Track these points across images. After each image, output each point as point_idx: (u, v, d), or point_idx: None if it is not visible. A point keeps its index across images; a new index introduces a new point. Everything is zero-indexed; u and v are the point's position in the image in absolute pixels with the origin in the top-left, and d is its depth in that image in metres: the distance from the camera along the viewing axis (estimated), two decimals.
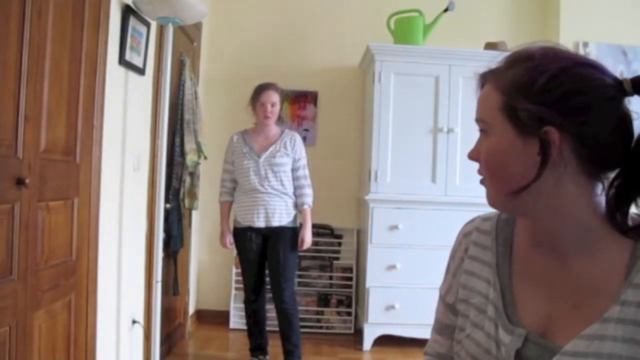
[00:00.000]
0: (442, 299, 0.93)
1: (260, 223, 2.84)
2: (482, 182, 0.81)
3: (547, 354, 0.72)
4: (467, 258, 0.88)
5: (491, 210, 0.84)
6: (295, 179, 2.93)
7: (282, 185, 2.86)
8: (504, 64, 0.77)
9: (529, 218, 0.79)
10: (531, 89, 0.71)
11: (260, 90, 2.92)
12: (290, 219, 2.90)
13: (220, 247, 3.67)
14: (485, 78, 0.79)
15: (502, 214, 0.88)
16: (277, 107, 2.93)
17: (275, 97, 2.91)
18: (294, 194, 2.93)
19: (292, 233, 2.91)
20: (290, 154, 2.90)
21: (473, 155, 0.80)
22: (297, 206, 2.93)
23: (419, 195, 3.36)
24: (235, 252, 3.66)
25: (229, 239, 2.98)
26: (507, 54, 0.77)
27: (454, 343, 0.87)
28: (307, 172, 2.96)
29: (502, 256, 0.83)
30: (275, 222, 2.84)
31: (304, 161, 2.96)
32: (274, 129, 2.97)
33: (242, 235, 2.92)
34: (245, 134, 2.99)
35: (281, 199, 2.86)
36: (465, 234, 0.91)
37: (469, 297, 0.85)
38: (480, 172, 0.80)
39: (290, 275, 2.91)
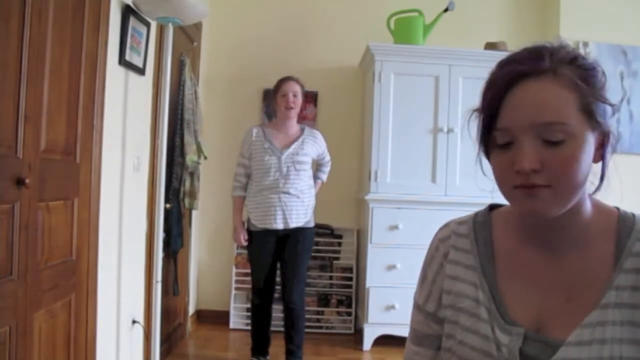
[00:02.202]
0: (421, 308, 0.89)
1: (278, 225, 2.78)
2: (538, 190, 0.70)
3: (549, 349, 0.72)
4: (447, 263, 0.86)
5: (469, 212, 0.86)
6: (320, 164, 3.06)
7: (302, 183, 2.82)
8: (555, 61, 0.71)
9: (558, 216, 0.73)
10: (599, 85, 0.72)
11: (280, 82, 2.88)
12: (307, 218, 2.86)
13: (220, 247, 3.66)
14: (543, 72, 0.71)
15: (477, 216, 0.87)
16: (299, 99, 2.88)
17: (296, 87, 2.87)
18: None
19: (309, 234, 2.88)
20: (314, 154, 2.92)
21: (537, 166, 0.69)
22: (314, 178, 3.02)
23: (419, 195, 3.36)
24: (235, 252, 3.66)
25: (243, 235, 2.87)
26: (547, 49, 0.72)
27: (443, 351, 0.85)
28: (329, 157, 3.08)
29: (485, 258, 0.83)
30: (293, 224, 2.79)
31: (326, 151, 3.05)
32: (294, 127, 2.91)
33: (258, 239, 2.84)
34: (264, 128, 2.90)
35: (298, 198, 2.80)
36: (441, 239, 0.89)
37: (455, 302, 0.83)
38: (540, 180, 0.70)
39: (302, 276, 2.87)
